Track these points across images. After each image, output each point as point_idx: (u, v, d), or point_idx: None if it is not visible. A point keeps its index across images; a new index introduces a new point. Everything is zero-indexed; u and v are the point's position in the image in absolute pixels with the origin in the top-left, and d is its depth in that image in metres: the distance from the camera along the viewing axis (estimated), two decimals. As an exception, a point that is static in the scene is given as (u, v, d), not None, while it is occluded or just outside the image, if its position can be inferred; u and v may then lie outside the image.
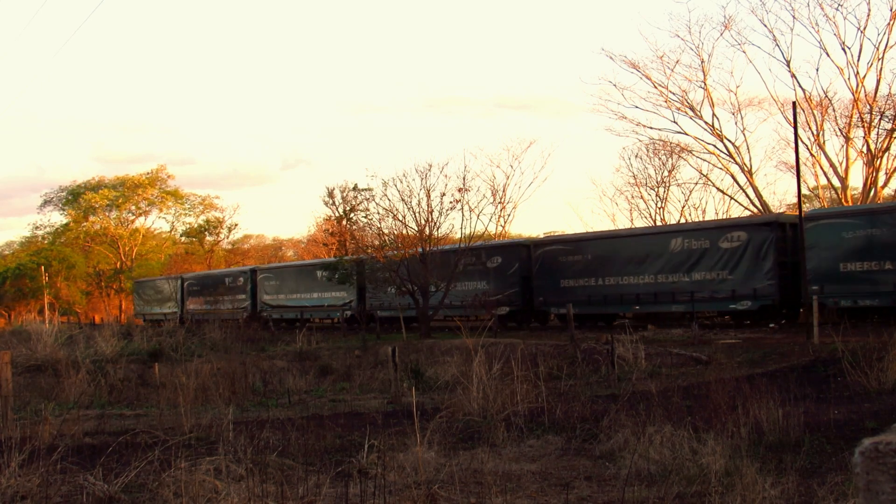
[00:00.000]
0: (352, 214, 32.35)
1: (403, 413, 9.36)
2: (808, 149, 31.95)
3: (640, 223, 39.24)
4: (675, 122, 35.26)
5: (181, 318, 40.36)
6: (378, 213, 25.73)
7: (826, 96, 31.59)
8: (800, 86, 32.27)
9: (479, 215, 30.54)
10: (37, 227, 66.73)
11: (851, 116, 30.97)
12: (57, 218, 65.56)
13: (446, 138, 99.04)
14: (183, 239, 66.51)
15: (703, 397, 9.37)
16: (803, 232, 19.23)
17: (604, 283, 24.49)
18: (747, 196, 35.06)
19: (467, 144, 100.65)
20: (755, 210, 33.93)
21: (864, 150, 31.29)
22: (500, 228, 40.66)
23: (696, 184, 38.38)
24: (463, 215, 25.16)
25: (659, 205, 39.92)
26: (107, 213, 63.57)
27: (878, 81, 30.56)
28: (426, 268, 24.01)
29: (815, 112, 31.83)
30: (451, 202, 24.16)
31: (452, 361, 12.96)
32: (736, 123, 34.48)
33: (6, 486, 5.75)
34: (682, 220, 38.02)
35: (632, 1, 73.62)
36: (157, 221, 68.12)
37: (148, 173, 63.41)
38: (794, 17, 35.99)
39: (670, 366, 14.15)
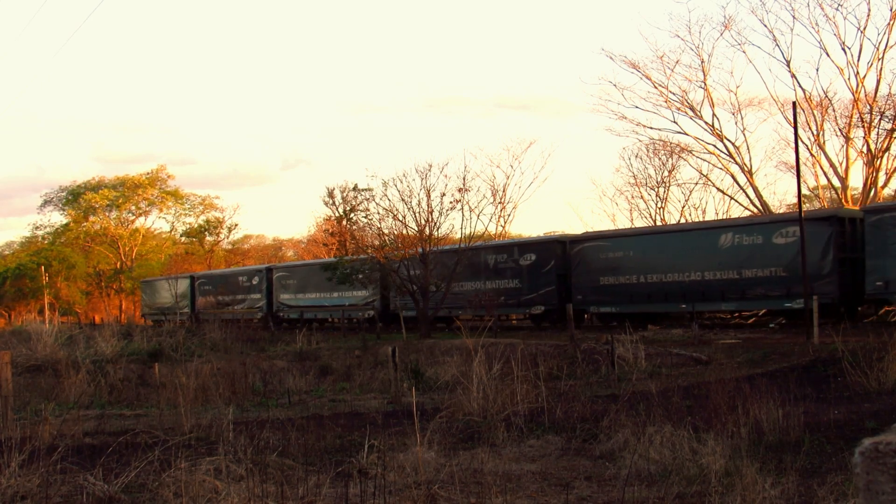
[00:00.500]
0: (352, 214, 32.36)
1: (403, 413, 9.36)
2: (808, 149, 31.98)
3: (640, 223, 39.27)
4: (675, 122, 35.34)
5: (192, 318, 39.68)
6: (378, 213, 25.74)
7: (826, 96, 31.64)
8: (800, 86, 32.34)
9: (479, 215, 30.54)
10: (37, 227, 66.82)
11: (851, 116, 30.98)
12: (57, 218, 65.66)
13: (446, 138, 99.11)
14: (183, 239, 66.53)
15: (703, 397, 9.37)
16: (803, 231, 19.08)
17: (647, 280, 23.63)
18: (747, 196, 35.09)
19: (467, 144, 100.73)
20: (755, 210, 33.93)
21: (864, 150, 31.30)
22: (500, 228, 40.71)
23: (696, 184, 38.46)
24: (463, 215, 25.19)
25: (659, 205, 39.98)
26: (107, 213, 63.60)
27: (878, 81, 30.60)
28: (426, 268, 24.01)
29: (816, 112, 31.85)
30: (451, 202, 24.19)
31: (452, 361, 12.96)
32: (736, 123, 34.55)
33: (6, 486, 5.75)
34: (682, 220, 38.02)
35: (632, 1, 73.66)
36: (157, 221, 68.25)
37: (148, 173, 63.46)
38: (794, 17, 36.09)
39: (670, 366, 14.16)
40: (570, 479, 6.10)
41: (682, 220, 38.03)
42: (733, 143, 34.38)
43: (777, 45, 33.63)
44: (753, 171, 34.60)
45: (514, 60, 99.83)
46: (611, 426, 7.56)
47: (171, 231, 67.81)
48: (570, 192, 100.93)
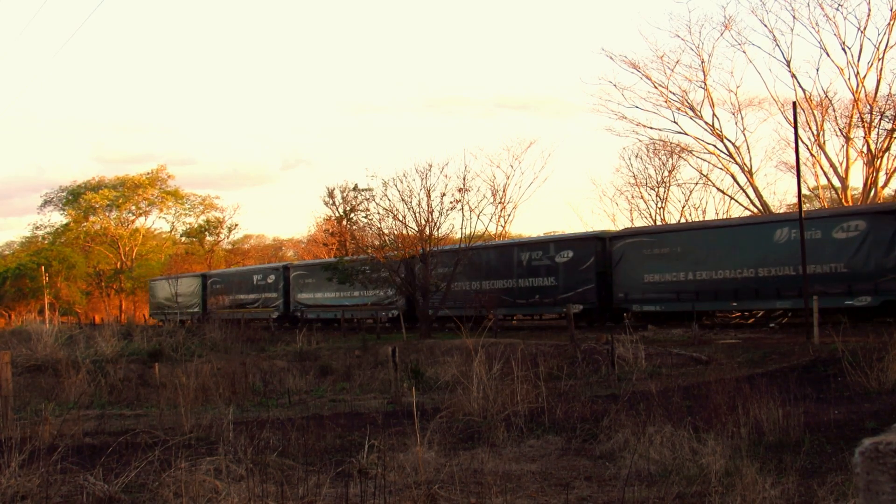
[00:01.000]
0: (352, 214, 32.39)
1: (403, 413, 9.35)
2: (808, 149, 31.99)
3: (640, 223, 39.25)
4: (675, 122, 35.32)
5: (203, 318, 38.38)
6: (378, 213, 25.72)
7: (826, 96, 31.65)
8: (800, 86, 32.35)
9: (479, 215, 30.40)
10: (37, 227, 66.87)
11: (851, 116, 30.98)
12: (57, 218, 65.70)
13: (446, 138, 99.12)
14: (183, 239, 66.55)
15: (703, 397, 9.37)
16: (803, 231, 18.95)
17: (696, 277, 22.59)
18: (747, 196, 35.09)
19: (467, 144, 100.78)
20: (756, 210, 33.94)
21: (865, 150, 31.31)
22: (500, 228, 40.71)
23: (697, 184, 38.45)
24: (463, 215, 25.17)
25: (659, 205, 39.98)
26: (107, 213, 63.63)
27: (879, 81, 30.62)
28: (426, 268, 24.01)
29: (816, 112, 31.85)
30: (451, 202, 24.17)
31: (452, 361, 12.96)
32: (736, 123, 34.56)
33: (6, 486, 5.75)
34: (682, 220, 38.02)
35: (632, 1, 73.65)
36: (158, 221, 68.25)
37: (148, 173, 63.49)
38: (794, 17, 36.12)
39: (670, 366, 14.15)
40: (570, 479, 6.10)
41: (682, 220, 37.99)
42: (733, 143, 34.42)
43: (777, 45, 33.68)
44: (753, 171, 34.64)
45: (514, 60, 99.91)
46: (611, 426, 7.56)
47: (171, 231, 67.93)
48: (570, 192, 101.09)
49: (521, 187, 49.31)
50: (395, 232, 25.08)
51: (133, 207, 64.07)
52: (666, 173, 39.16)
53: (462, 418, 8.61)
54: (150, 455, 6.22)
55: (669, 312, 23.04)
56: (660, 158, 38.79)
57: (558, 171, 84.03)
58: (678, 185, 39.55)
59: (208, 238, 64.42)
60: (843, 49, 30.78)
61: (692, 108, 34.41)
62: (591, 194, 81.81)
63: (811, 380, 11.32)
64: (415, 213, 24.15)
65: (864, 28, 30.24)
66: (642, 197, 40.41)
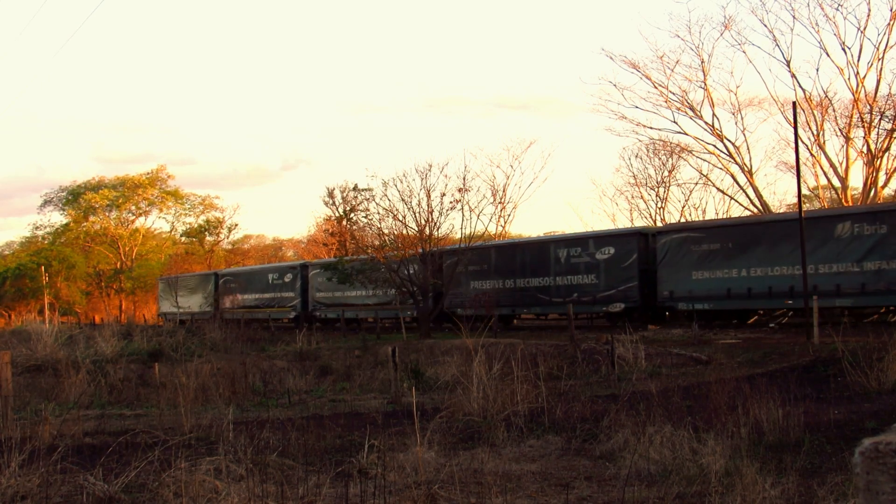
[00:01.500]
0: (352, 214, 32.39)
1: (403, 413, 9.36)
2: (808, 149, 31.98)
3: (640, 223, 39.25)
4: (675, 122, 35.30)
5: (215, 318, 36.92)
6: (378, 213, 25.73)
7: (826, 96, 31.65)
8: (800, 86, 32.34)
9: (479, 215, 30.36)
10: (37, 227, 66.82)
11: (851, 116, 30.98)
12: (57, 218, 65.65)
13: (446, 138, 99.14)
14: (183, 239, 66.52)
15: (703, 397, 9.37)
16: (803, 231, 18.83)
17: (748, 274, 21.50)
18: (747, 196, 35.09)
19: (467, 144, 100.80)
20: (756, 210, 33.94)
21: (865, 150, 31.31)
22: (500, 228, 40.71)
23: (697, 184, 38.42)
24: (463, 215, 25.18)
25: (659, 205, 39.99)
26: (107, 213, 63.59)
27: (878, 81, 30.61)
28: (426, 268, 24.01)
29: (815, 112, 31.85)
30: (451, 202, 24.19)
31: (452, 361, 12.96)
32: (736, 123, 34.54)
33: (6, 486, 5.75)
34: (682, 219, 38.01)
35: (632, 1, 73.65)
36: (157, 221, 68.20)
37: (148, 173, 63.46)
38: (794, 17, 36.11)
39: (670, 366, 14.16)
40: (570, 479, 6.10)
41: (682, 220, 37.96)
42: (733, 143, 34.41)
43: (777, 45, 33.65)
44: (753, 171, 34.62)
45: (514, 60, 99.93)
46: (611, 426, 7.56)
47: (171, 231, 67.86)
48: (570, 192, 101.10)
49: (521, 187, 49.21)
50: (395, 232, 25.09)
51: (133, 207, 64.05)
52: (666, 173, 39.18)
53: (462, 418, 8.61)
54: (150, 455, 6.22)
55: (719, 311, 21.98)
56: (660, 158, 38.82)
57: (558, 171, 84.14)
58: (678, 185, 39.58)
59: (208, 238, 64.40)
60: (843, 49, 30.81)
61: (692, 108, 34.42)
62: (591, 194, 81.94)
63: (811, 380, 11.32)
64: (415, 213, 24.18)
65: (864, 28, 30.26)
66: (642, 197, 40.44)
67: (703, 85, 33.97)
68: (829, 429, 7.56)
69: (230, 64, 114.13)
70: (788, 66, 32.14)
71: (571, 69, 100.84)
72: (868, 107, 30.38)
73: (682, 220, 38.26)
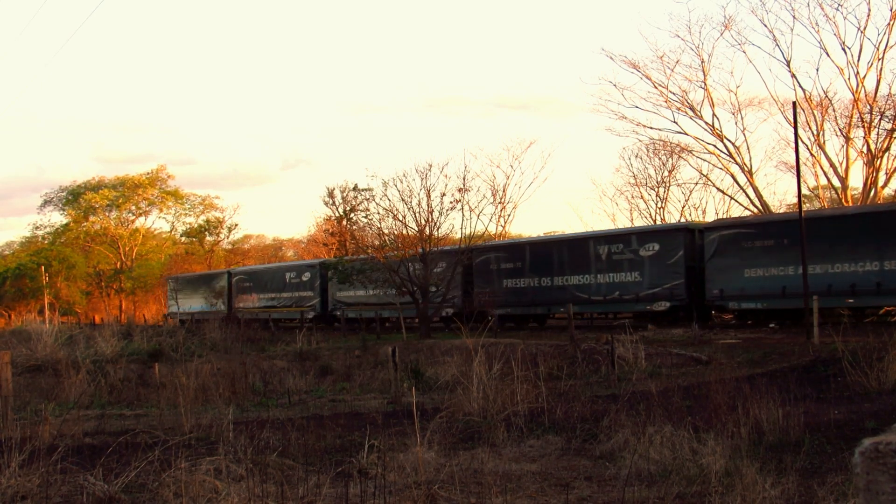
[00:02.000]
0: (352, 214, 32.36)
1: (403, 413, 9.36)
2: (808, 149, 31.98)
3: (640, 223, 39.26)
4: (675, 122, 35.30)
5: (228, 318, 35.49)
6: (378, 213, 25.72)
7: (826, 96, 31.65)
8: (800, 86, 32.34)
9: (479, 215, 30.31)
10: (37, 227, 66.84)
11: (851, 116, 30.99)
12: (57, 218, 65.66)
13: (446, 138, 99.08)
14: (183, 239, 66.52)
15: (703, 397, 9.37)
16: (803, 231, 18.70)
17: (808, 272, 20.02)
18: (747, 196, 35.09)
19: (467, 144, 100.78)
20: (755, 210, 33.94)
21: (865, 150, 31.31)
22: (500, 228, 40.72)
23: (697, 184, 38.43)
24: (463, 215, 25.18)
25: (659, 205, 40.00)
26: (107, 213, 63.60)
27: (878, 81, 30.61)
28: (426, 268, 24.01)
29: (815, 112, 31.85)
30: (451, 202, 24.19)
31: (452, 361, 12.96)
32: (736, 123, 34.54)
33: (6, 486, 5.75)
34: (682, 219, 37.97)
35: (632, 1, 73.65)
36: (158, 221, 68.17)
37: (148, 173, 63.47)
38: (794, 17, 36.06)
39: (670, 366, 14.15)
40: (570, 479, 6.10)
41: (683, 220, 37.91)
42: (733, 143, 34.41)
43: (777, 45, 33.65)
44: (753, 171, 34.62)
45: (514, 60, 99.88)
46: (611, 426, 7.56)
47: (171, 231, 67.87)
48: (570, 192, 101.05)
49: (521, 187, 49.23)
50: (395, 232, 25.09)
51: (133, 207, 64.05)
52: (666, 173, 39.20)
53: (462, 418, 8.61)
54: (150, 455, 6.22)
55: (773, 310, 20.95)
56: (660, 158, 38.84)
57: (558, 171, 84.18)
58: (678, 185, 39.59)
59: (208, 238, 64.39)
60: (843, 49, 30.81)
61: (692, 108, 34.42)
62: (591, 194, 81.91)
63: (811, 380, 11.32)
64: (415, 213, 24.18)
65: (864, 28, 30.26)
66: (642, 197, 40.46)
67: (703, 85, 33.99)
68: (829, 429, 7.56)
69: (230, 64, 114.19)
70: (788, 66, 32.17)
71: (571, 69, 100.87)
72: (868, 107, 30.38)
73: (682, 220, 38.27)
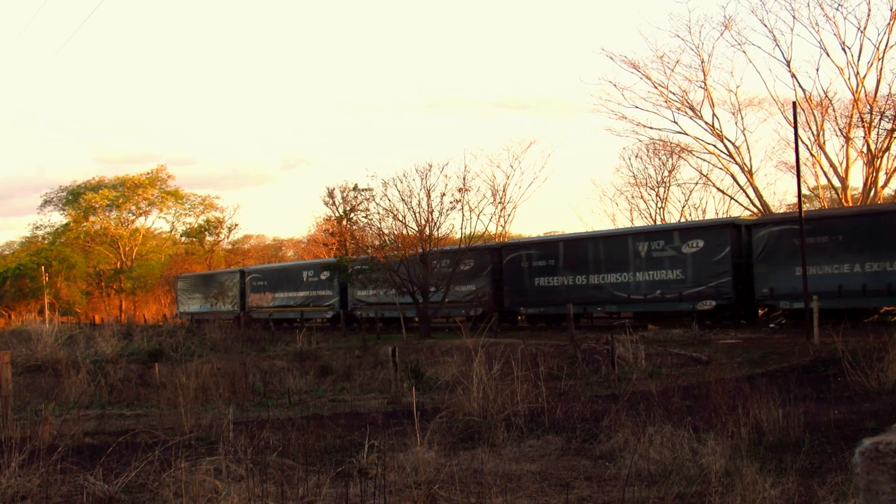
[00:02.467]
0: (352, 214, 32.31)
1: (403, 413, 9.36)
2: (808, 149, 31.98)
3: (640, 223, 39.25)
4: (675, 122, 35.30)
5: (241, 318, 35.04)
6: (378, 213, 25.73)
7: (826, 96, 31.64)
8: (800, 86, 32.33)
9: (479, 215, 30.30)
10: (37, 227, 66.82)
11: (851, 116, 30.98)
12: (57, 218, 65.66)
13: (446, 138, 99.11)
14: (183, 239, 66.51)
15: (703, 397, 9.37)
16: (803, 231, 18.59)
17: (863, 270, 19.57)
18: (747, 196, 35.09)
19: (467, 144, 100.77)
20: (755, 210, 33.94)
21: (865, 150, 31.30)
22: (500, 228, 40.71)
23: (697, 184, 38.43)
24: (463, 215, 25.18)
25: (659, 205, 39.99)
26: (107, 213, 63.60)
27: (878, 81, 30.60)
28: (426, 268, 24.01)
29: (815, 112, 31.84)
30: (451, 202, 24.20)
31: (452, 361, 12.96)
32: (736, 123, 34.54)
33: (6, 486, 5.75)
34: (682, 220, 37.93)
35: (632, 1, 73.65)
36: (158, 221, 68.21)
37: (148, 173, 63.47)
38: (794, 17, 36.06)
39: (670, 366, 14.15)
40: (570, 479, 6.10)
41: (682, 220, 37.89)
42: (733, 143, 34.40)
43: (777, 45, 33.61)
44: (753, 171, 34.62)
45: (514, 60, 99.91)
46: (611, 426, 7.56)
47: (171, 231, 67.88)
48: (570, 192, 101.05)
49: (521, 187, 49.24)
50: (395, 232, 25.10)
51: (133, 207, 64.06)
52: (666, 173, 39.20)
53: (462, 418, 8.61)
54: (150, 455, 6.22)
55: (828, 310, 19.56)
56: (660, 158, 38.83)
57: (558, 171, 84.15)
58: (678, 185, 39.58)
59: (208, 238, 64.37)
60: (843, 49, 30.80)
61: (692, 108, 34.42)
62: (591, 194, 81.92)
63: (811, 380, 11.32)
64: (415, 213, 24.19)
65: (864, 28, 30.25)
66: (642, 197, 40.45)
67: (703, 85, 33.99)
68: (829, 429, 7.56)
69: (230, 64, 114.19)
70: (788, 66, 32.16)
71: (571, 69, 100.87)
72: (868, 107, 30.37)
73: (683, 220, 38.26)
